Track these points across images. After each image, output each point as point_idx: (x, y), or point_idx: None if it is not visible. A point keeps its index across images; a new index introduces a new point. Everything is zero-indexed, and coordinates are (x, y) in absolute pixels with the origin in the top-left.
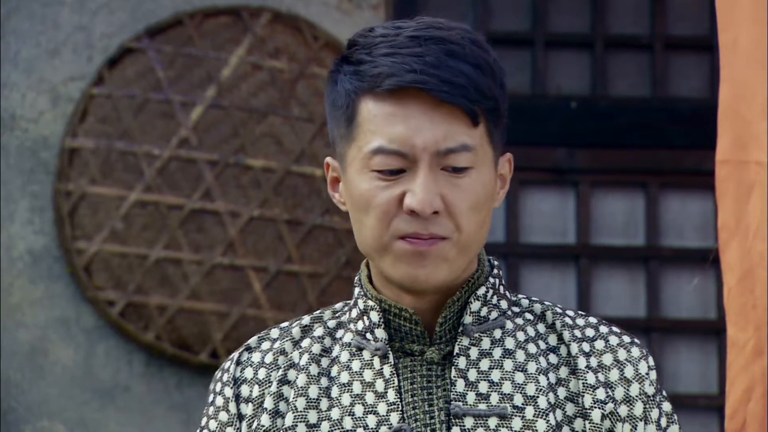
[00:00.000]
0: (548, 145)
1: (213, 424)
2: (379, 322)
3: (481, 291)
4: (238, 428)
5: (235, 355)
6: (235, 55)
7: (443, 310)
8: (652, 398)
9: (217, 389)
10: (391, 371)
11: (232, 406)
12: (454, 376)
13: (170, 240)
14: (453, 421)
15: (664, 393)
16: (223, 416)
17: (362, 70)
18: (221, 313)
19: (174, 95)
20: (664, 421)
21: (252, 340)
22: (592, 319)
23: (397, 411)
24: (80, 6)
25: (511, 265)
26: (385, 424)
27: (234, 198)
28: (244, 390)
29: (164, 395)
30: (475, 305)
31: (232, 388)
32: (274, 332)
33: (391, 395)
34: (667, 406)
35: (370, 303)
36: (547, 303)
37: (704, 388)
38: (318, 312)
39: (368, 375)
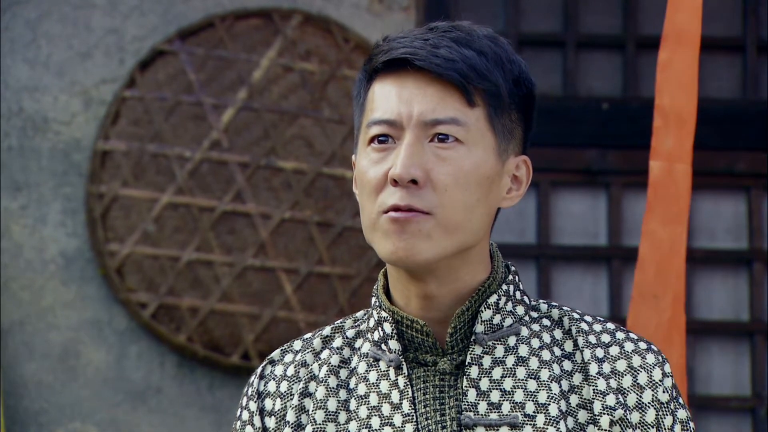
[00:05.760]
0: (580, 147)
1: None
2: (392, 333)
3: (492, 299)
4: None
5: (259, 368)
6: (266, 58)
7: (452, 321)
8: (665, 405)
9: (244, 403)
10: (405, 382)
11: (257, 420)
12: (466, 386)
13: (202, 242)
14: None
15: (680, 401)
16: (249, 431)
17: (372, 55)
18: (253, 314)
19: (205, 97)
20: (678, 429)
21: (275, 353)
22: (610, 325)
23: (412, 422)
24: (111, 9)
25: (542, 267)
26: None
27: (265, 200)
28: (268, 403)
29: (196, 397)
30: (486, 314)
31: (256, 401)
32: (297, 344)
33: (406, 406)
34: (682, 414)
35: (383, 314)
36: (565, 308)
37: (737, 390)
38: (340, 321)
39: (384, 386)
